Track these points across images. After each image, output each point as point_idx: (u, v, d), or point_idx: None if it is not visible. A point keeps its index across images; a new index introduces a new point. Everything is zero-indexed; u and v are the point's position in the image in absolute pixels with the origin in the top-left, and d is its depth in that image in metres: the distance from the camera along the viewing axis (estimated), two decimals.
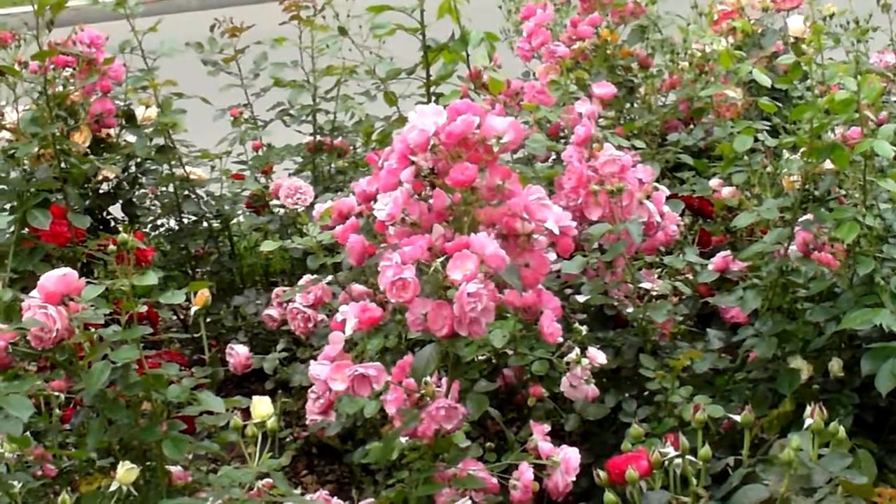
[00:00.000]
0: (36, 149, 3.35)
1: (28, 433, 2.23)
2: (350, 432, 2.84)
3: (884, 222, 2.77)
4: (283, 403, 3.01)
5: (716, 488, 2.20)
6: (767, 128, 3.17)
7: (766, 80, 3.32)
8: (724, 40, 3.86)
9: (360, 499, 2.54)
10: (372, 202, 2.34)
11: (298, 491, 2.33)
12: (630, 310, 2.90)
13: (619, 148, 2.83)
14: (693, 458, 2.18)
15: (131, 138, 3.65)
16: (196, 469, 2.52)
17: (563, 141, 3.07)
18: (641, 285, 2.93)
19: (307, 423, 2.62)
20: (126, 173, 3.75)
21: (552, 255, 2.35)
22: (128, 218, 3.74)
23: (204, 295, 2.73)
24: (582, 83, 3.56)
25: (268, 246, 3.27)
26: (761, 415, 2.49)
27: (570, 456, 2.36)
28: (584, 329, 2.76)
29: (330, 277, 3.12)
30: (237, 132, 3.96)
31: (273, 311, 3.25)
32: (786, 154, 3.06)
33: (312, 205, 3.46)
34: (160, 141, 3.71)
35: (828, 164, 2.84)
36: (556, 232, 2.27)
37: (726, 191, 3.27)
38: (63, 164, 3.38)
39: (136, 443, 2.33)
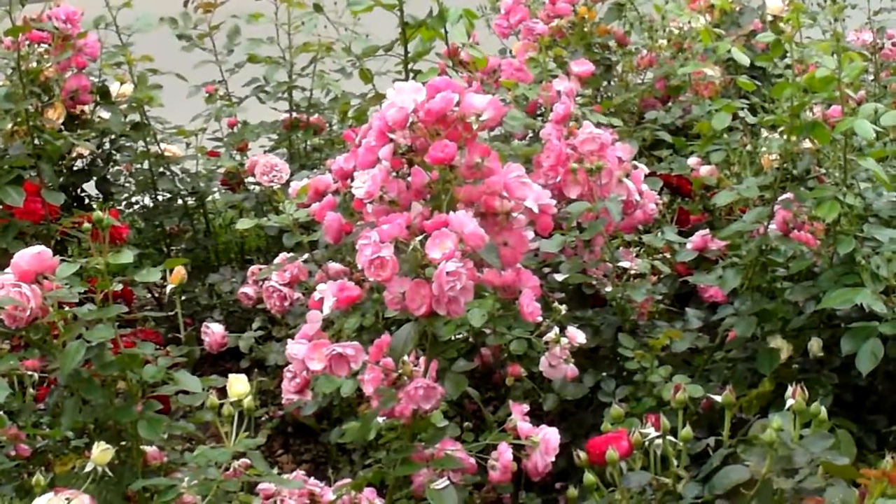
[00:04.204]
0: (10, 125, 3.34)
1: (2, 413, 2.21)
2: (326, 412, 2.83)
3: (864, 201, 2.76)
4: (258, 382, 2.99)
5: (696, 469, 2.19)
6: (746, 106, 3.16)
7: (744, 59, 3.32)
8: (702, 18, 3.86)
9: (337, 479, 2.53)
10: (349, 180, 2.33)
11: (275, 470, 2.31)
12: (608, 289, 2.89)
13: (598, 125, 2.82)
14: (673, 439, 2.17)
15: (106, 115, 3.64)
16: (172, 449, 2.50)
17: (541, 118, 3.06)
18: (620, 264, 2.93)
19: (283, 402, 2.60)
20: (101, 150, 3.74)
21: (531, 234, 2.34)
22: (102, 195, 3.72)
23: (179, 273, 2.71)
24: (560, 61, 3.55)
25: (243, 224, 3.26)
26: (741, 394, 2.49)
27: (550, 436, 2.35)
28: (562, 308, 2.74)
29: (306, 255, 3.11)
30: (212, 109, 3.96)
31: (248, 290, 3.24)
32: (765, 132, 3.05)
33: (288, 182, 3.45)
34: (135, 117, 3.70)
35: (807, 143, 2.83)
36: (535, 210, 2.26)
37: (705, 169, 3.26)
38: (37, 141, 3.37)
39: (111, 423, 2.31)
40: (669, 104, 3.71)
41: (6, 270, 2.25)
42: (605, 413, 2.32)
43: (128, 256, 2.31)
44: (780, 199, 2.84)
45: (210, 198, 3.94)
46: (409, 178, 2.24)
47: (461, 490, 2.30)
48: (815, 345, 2.66)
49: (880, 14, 4.11)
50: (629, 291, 2.85)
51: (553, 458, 2.34)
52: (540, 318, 2.33)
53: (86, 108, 3.59)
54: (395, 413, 2.29)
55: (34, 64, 3.42)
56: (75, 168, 3.65)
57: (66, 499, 1.81)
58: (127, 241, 2.79)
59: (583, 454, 2.18)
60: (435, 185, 2.22)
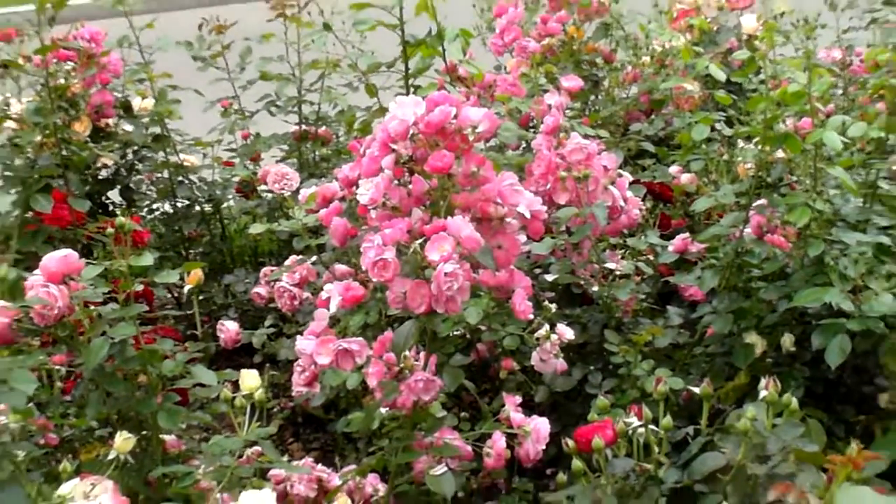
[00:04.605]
0: (39, 137, 3.34)
1: (31, 405, 2.21)
2: (333, 403, 2.83)
3: (833, 207, 2.76)
4: (270, 376, 2.98)
5: (676, 455, 2.19)
6: (723, 118, 3.17)
7: (721, 75, 3.32)
8: (683, 37, 3.86)
9: (343, 465, 2.53)
10: (354, 187, 2.32)
11: (285, 458, 2.31)
12: (595, 288, 2.90)
13: (586, 137, 2.82)
14: (655, 428, 2.17)
15: (129, 127, 3.64)
16: (189, 438, 2.50)
17: (532, 130, 3.06)
18: (606, 265, 2.93)
19: (293, 394, 2.60)
20: (124, 160, 3.73)
21: (523, 237, 2.34)
22: (125, 202, 3.72)
23: (197, 274, 2.71)
24: (550, 76, 3.56)
25: (256, 228, 3.26)
26: (718, 386, 2.49)
27: (541, 426, 2.35)
28: (552, 306, 2.75)
29: (314, 258, 3.11)
30: (227, 122, 3.96)
31: (261, 290, 3.24)
32: (741, 143, 3.06)
33: (298, 190, 3.46)
34: (156, 130, 3.70)
35: (780, 153, 2.83)
36: (527, 215, 2.26)
37: (685, 177, 3.26)
38: (64, 152, 3.37)
39: (133, 414, 2.31)
40: (652, 117, 3.72)
41: (35, 272, 2.25)
42: (592, 404, 2.32)
43: (148, 259, 2.32)
44: (754, 205, 2.84)
45: (225, 204, 3.94)
46: (410, 186, 2.24)
47: (458, 476, 2.30)
48: (787, 340, 2.66)
49: (849, 33, 4.11)
50: (615, 291, 2.85)
51: (544, 446, 2.35)
52: (531, 316, 2.33)
53: (110, 121, 3.59)
54: (397, 404, 2.29)
55: (61, 80, 3.42)
56: (100, 177, 3.64)
57: (91, 484, 1.81)
58: (148, 245, 2.79)
59: (571, 442, 2.18)
60: (434, 192, 2.22)
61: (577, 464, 2.16)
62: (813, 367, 2.65)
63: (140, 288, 2.33)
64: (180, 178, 3.78)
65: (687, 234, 3.07)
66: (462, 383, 2.46)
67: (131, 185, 3.75)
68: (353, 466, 2.44)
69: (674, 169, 3.36)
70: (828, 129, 2.68)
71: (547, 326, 2.66)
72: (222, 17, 3.96)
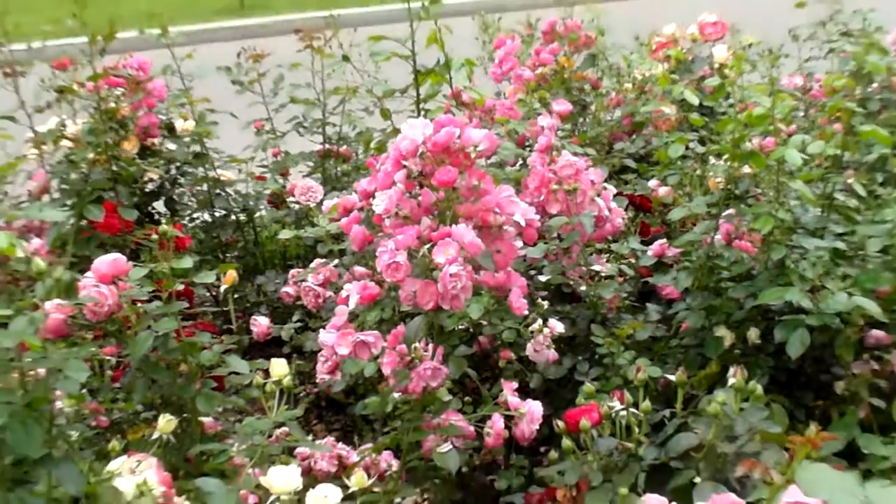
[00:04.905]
0: (92, 155, 3.34)
1: (84, 391, 2.21)
2: (352, 389, 2.82)
3: (793, 216, 2.76)
4: (297, 365, 2.99)
5: (654, 436, 2.18)
6: (696, 138, 3.16)
7: (694, 99, 3.32)
8: (661, 66, 3.86)
9: (361, 444, 2.53)
10: (371, 199, 2.32)
11: (310, 437, 2.31)
12: (583, 288, 2.89)
13: (575, 154, 2.81)
14: (635, 411, 2.17)
15: (172, 146, 3.64)
16: (224, 420, 2.50)
17: (528, 149, 3.05)
18: (593, 268, 2.93)
19: (317, 381, 2.60)
20: (167, 175, 3.73)
21: (519, 243, 2.33)
22: (169, 212, 3.72)
23: (232, 275, 2.71)
24: (544, 101, 3.55)
25: (285, 235, 3.27)
26: (691, 375, 2.47)
27: (534, 408, 2.35)
28: (545, 304, 2.75)
29: (336, 261, 3.12)
30: (259, 141, 3.96)
31: (289, 289, 3.24)
32: (712, 160, 3.04)
33: (322, 201, 3.46)
34: (196, 148, 3.70)
35: (746, 168, 2.83)
36: (523, 223, 2.26)
37: (662, 190, 3.26)
38: (115, 168, 3.37)
39: (175, 398, 2.31)
40: (634, 137, 3.71)
41: (88, 274, 2.25)
42: (580, 390, 2.32)
43: (189, 262, 2.32)
44: (724, 214, 2.84)
45: (258, 214, 3.93)
46: (420, 198, 2.24)
47: (462, 453, 2.30)
48: (753, 334, 2.65)
49: (809, 61, 4.10)
50: (600, 290, 2.85)
51: (537, 427, 2.34)
52: (526, 312, 2.32)
53: (155, 140, 3.59)
54: (409, 390, 2.29)
55: (112, 104, 3.42)
56: (146, 190, 3.64)
57: (137, 461, 1.80)
58: (189, 250, 2.78)
59: (561, 423, 2.18)
60: (440, 203, 2.22)
61: (566, 442, 2.16)
62: (776, 357, 2.64)
63: (181, 287, 2.32)
64: (218, 191, 3.78)
65: (664, 240, 3.07)
66: (465, 371, 2.45)
67: (174, 196, 3.75)
68: (369, 445, 2.43)
69: (652, 183, 3.36)
70: (789, 147, 2.68)
71: (540, 321, 2.66)
72: (254, 48, 3.96)
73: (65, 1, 3.28)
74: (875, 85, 3.95)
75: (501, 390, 2.40)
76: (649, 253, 3.06)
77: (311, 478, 2.25)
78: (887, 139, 2.96)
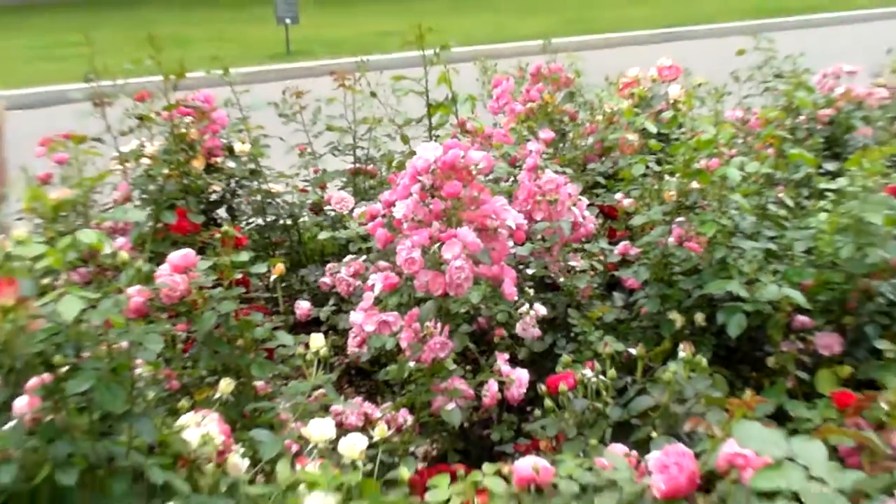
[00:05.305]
0: (166, 170, 3.34)
1: (160, 359, 2.21)
2: (376, 359, 2.81)
3: (733, 223, 2.76)
4: (332, 340, 2.98)
5: (619, 398, 2.18)
6: (654, 159, 3.16)
7: (653, 128, 3.33)
8: (626, 102, 3.86)
9: (383, 403, 2.52)
10: (392, 207, 2.33)
11: (342, 398, 2.31)
12: (562, 279, 2.89)
13: (556, 172, 2.81)
14: (604, 378, 2.16)
15: (232, 164, 3.63)
16: (273, 383, 2.49)
17: (518, 168, 3.05)
18: (570, 263, 2.92)
19: (348, 352, 2.59)
20: (228, 187, 3.72)
21: (510, 243, 2.34)
22: (229, 217, 3.71)
23: (280, 268, 2.70)
24: (532, 130, 3.55)
25: (323, 235, 3.28)
26: (649, 350, 2.47)
27: (522, 375, 2.35)
28: (531, 292, 2.75)
29: (364, 257, 3.11)
30: (302, 161, 3.95)
31: (326, 279, 3.24)
32: (667, 177, 3.04)
33: (353, 209, 3.46)
34: (251, 166, 3.68)
35: (695, 184, 2.83)
36: (514, 227, 2.27)
37: (626, 201, 3.26)
38: (185, 181, 3.37)
39: (233, 366, 2.31)
40: (603, 158, 3.71)
41: (164, 266, 2.26)
42: (559, 361, 2.32)
43: (245, 256, 2.32)
44: (676, 220, 2.84)
45: (301, 219, 3.92)
46: (431, 206, 2.24)
47: (464, 411, 2.30)
48: (699, 317, 2.65)
49: (748, 98, 4.10)
50: (575, 281, 2.85)
51: (525, 390, 2.34)
52: (516, 298, 2.33)
53: (218, 159, 3.58)
54: (421, 359, 2.29)
55: (183, 130, 3.42)
56: (211, 199, 3.63)
57: (202, 416, 1.80)
58: (245, 247, 2.78)
59: (544, 387, 2.18)
60: (448, 210, 2.23)
61: (548, 403, 2.16)
62: (718, 337, 2.64)
63: (239, 277, 2.32)
64: (269, 201, 3.76)
65: (627, 242, 3.07)
66: (467, 345, 2.45)
67: (233, 205, 3.74)
68: (389, 403, 2.43)
69: (618, 195, 3.36)
70: (730, 167, 2.68)
71: (527, 305, 2.66)
72: (297, 87, 3.96)
73: (144, 45, 3.28)
74: (802, 117, 3.97)
75: (496, 361, 2.40)
76: (615, 252, 3.05)
77: (343, 430, 2.25)
78: (811, 160, 2.97)
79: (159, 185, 3.35)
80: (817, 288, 2.70)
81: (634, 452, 1.83)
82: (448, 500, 1.66)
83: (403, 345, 2.30)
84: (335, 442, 1.82)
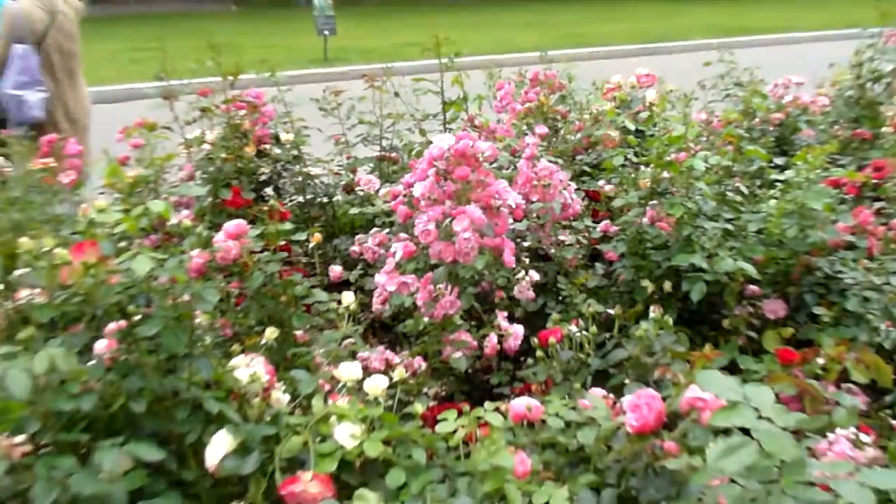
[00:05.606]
0: (223, 155, 3.34)
1: (216, 310, 2.21)
2: (397, 315, 2.81)
3: (697, 206, 2.74)
4: (359, 298, 2.97)
5: (598, 351, 2.18)
6: (632, 152, 3.14)
7: (632, 126, 3.31)
8: (609, 104, 3.84)
9: (401, 351, 2.52)
10: (411, 188, 2.32)
11: (367, 346, 2.31)
12: (553, 251, 2.88)
13: (550, 162, 2.79)
14: (586, 333, 2.16)
15: (278, 150, 3.62)
16: (310, 332, 2.49)
17: (518, 157, 3.03)
18: (560, 238, 2.91)
19: (373, 309, 2.59)
20: (274, 170, 3.71)
21: (511, 219, 2.33)
22: (275, 194, 3.70)
23: (317, 237, 2.70)
24: (530, 126, 3.53)
25: (353, 211, 3.28)
26: (625, 311, 2.46)
27: (518, 330, 2.34)
28: (527, 261, 2.74)
29: (387, 230, 3.10)
30: (337, 149, 3.93)
31: (355, 247, 3.23)
32: (642, 167, 3.03)
33: (378, 190, 3.45)
34: (294, 152, 3.67)
35: (666, 174, 2.81)
36: (514, 206, 2.26)
37: (608, 187, 3.23)
38: (239, 164, 3.37)
39: (277, 317, 2.31)
40: (589, 151, 3.68)
41: (219, 234, 2.25)
42: (549, 319, 2.31)
43: (288, 227, 2.33)
44: (649, 204, 2.82)
45: (335, 198, 3.91)
46: (444, 187, 2.23)
47: (469, 359, 2.30)
48: (667, 285, 2.63)
49: (712, 103, 4.09)
50: (564, 253, 2.84)
51: (520, 342, 2.34)
52: (514, 266, 2.32)
53: (266, 146, 3.57)
54: (434, 315, 2.29)
55: (237, 121, 3.42)
56: (260, 179, 3.62)
57: (251, 359, 1.80)
58: (288, 220, 2.77)
59: (536, 340, 2.18)
60: (458, 191, 2.22)
61: (539, 353, 2.15)
62: (682, 301, 2.63)
63: (283, 244, 2.33)
64: (308, 182, 3.75)
65: (608, 221, 3.05)
66: (472, 304, 2.45)
67: (279, 185, 3.73)
68: (406, 352, 2.43)
69: (601, 182, 3.33)
70: (696, 160, 2.67)
71: (523, 272, 2.65)
72: (335, 87, 3.94)
73: (205, 51, 3.28)
74: (757, 119, 3.94)
75: (496, 318, 2.39)
76: (598, 229, 3.04)
77: (367, 372, 2.25)
78: (764, 156, 2.95)
79: (217, 167, 3.34)
80: (766, 262, 2.69)
81: (611, 395, 1.83)
82: (455, 431, 1.66)
83: (419, 303, 2.30)
84: (361, 382, 1.82)
